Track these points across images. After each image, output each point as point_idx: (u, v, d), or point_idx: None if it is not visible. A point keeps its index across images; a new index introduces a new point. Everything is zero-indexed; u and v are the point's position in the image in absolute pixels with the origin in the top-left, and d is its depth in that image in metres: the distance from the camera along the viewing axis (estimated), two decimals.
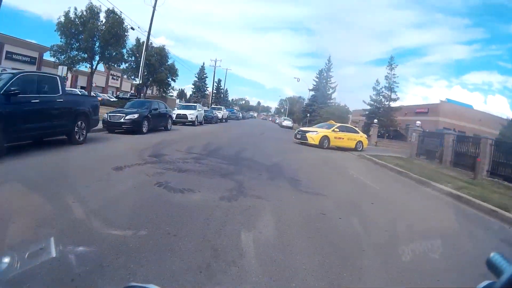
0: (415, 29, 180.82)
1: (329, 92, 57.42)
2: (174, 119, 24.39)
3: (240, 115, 69.25)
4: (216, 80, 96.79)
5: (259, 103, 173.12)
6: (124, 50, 35.73)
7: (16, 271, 1.63)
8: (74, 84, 60.20)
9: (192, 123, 25.99)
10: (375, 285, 3.34)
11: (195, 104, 29.38)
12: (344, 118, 51.95)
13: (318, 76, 60.17)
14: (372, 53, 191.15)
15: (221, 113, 41.12)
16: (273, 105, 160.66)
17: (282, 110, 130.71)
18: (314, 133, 18.52)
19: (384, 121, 36.34)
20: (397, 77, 40.69)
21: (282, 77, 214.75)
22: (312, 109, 55.87)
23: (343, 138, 19.24)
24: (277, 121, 76.83)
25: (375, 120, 34.34)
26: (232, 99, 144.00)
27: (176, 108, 28.04)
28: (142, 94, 47.06)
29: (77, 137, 9.63)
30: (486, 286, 0.78)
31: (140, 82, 32.37)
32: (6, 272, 1.52)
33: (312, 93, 60.76)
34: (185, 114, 25.77)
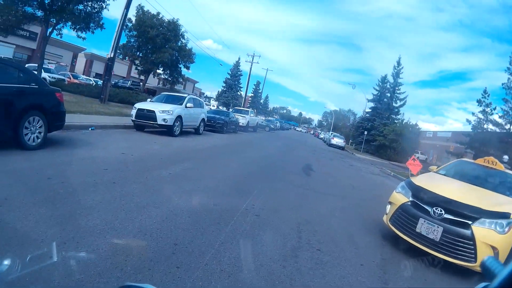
0: (461, 53, 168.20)
1: (396, 105, 42.85)
2: (133, 118, 13.05)
3: (278, 124, 54.30)
4: (254, 82, 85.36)
5: (300, 114, 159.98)
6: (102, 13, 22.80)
7: (16, 274, 1.49)
8: (88, 70, 50.86)
9: (169, 131, 13.20)
10: None
11: (183, 95, 16.13)
12: (415, 142, 38.14)
13: (380, 84, 45.63)
14: (416, 74, 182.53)
15: (246, 118, 27.68)
16: (315, 117, 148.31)
17: (325, 124, 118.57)
18: None
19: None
20: None
21: (326, 91, 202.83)
22: (371, 126, 41.63)
23: None
24: (322, 136, 62.27)
25: None
26: (274, 107, 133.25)
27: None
28: (132, 82, 35.59)
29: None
30: None
31: (111, 55, 19.94)
32: (6, 274, 1.38)
33: (371, 104, 46.36)
34: (153, 112, 12.86)
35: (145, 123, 12.99)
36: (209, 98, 70.77)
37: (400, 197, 4.96)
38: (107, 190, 4.76)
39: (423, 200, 4.62)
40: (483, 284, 0.82)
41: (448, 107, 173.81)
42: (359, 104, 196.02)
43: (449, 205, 4.40)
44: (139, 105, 13.25)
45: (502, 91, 26.46)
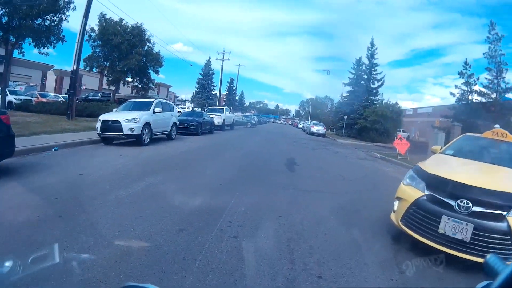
0: (433, 30, 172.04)
1: (374, 86, 42.16)
2: (98, 132, 11.94)
3: (255, 119, 52.25)
4: (228, 79, 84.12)
5: (277, 106, 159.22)
6: (63, 24, 21.27)
7: (18, 275, 1.47)
8: (59, 87, 48.99)
9: (138, 140, 12.13)
10: None
11: (150, 100, 15.04)
12: (397, 121, 37.68)
13: (355, 67, 44.86)
14: (390, 55, 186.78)
15: (221, 116, 26.42)
16: (292, 108, 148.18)
17: (303, 113, 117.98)
18: None
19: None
20: None
21: (301, 81, 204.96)
22: (350, 110, 40.83)
23: None
24: (301, 126, 61.43)
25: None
26: (250, 103, 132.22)
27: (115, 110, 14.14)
28: (104, 93, 34.06)
29: None
30: (485, 286, 0.82)
31: (74, 68, 18.56)
32: (8, 275, 1.37)
33: (348, 88, 45.53)
34: (118, 122, 11.79)
35: (111, 135, 11.92)
36: (185, 101, 69.29)
37: (411, 191, 4.05)
38: (48, 229, 3.77)
39: (443, 192, 3.72)
40: (486, 282, 0.80)
41: (424, 84, 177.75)
42: (336, 90, 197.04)
43: (476, 195, 3.52)
44: (103, 117, 12.14)
45: (477, 63, 26.25)
